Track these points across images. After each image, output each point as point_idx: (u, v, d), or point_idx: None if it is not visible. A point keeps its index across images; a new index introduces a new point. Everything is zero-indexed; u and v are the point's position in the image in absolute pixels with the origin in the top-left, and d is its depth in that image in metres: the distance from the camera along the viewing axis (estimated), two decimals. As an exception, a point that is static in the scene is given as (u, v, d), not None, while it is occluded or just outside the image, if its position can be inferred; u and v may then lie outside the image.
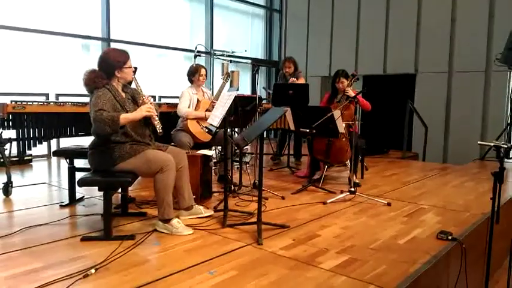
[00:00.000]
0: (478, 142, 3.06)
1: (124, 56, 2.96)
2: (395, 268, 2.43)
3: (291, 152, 6.06)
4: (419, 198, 4.18)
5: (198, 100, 4.50)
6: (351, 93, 4.45)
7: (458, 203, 3.98)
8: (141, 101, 3.01)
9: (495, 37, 7.23)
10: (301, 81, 5.84)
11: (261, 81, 9.79)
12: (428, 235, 3.03)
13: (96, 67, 2.96)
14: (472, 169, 6.06)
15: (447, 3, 7.73)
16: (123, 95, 3.01)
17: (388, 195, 4.27)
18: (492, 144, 2.77)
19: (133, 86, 3.14)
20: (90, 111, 2.84)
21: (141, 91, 3.03)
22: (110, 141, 2.87)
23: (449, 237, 2.88)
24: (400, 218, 3.49)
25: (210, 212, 3.36)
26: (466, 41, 7.55)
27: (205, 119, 4.16)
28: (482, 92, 7.44)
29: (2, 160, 4.03)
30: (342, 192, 4.11)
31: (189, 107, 4.43)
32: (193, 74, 4.54)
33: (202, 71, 4.54)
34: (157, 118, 2.96)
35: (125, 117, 2.79)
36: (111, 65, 2.91)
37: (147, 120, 3.03)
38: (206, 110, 4.45)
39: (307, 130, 4.16)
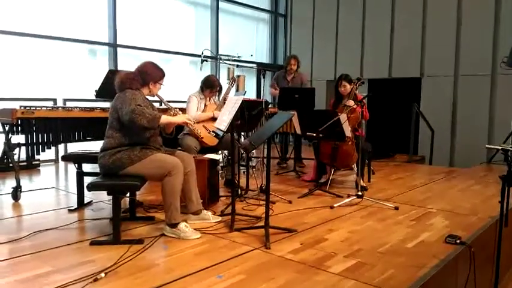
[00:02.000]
0: (486, 145, 3.06)
1: (162, 72, 3.16)
2: (403, 272, 2.43)
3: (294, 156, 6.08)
4: (427, 202, 4.17)
5: (205, 105, 4.53)
6: (351, 103, 4.47)
7: (466, 207, 3.97)
8: (172, 113, 3.21)
9: (501, 40, 7.22)
10: (306, 78, 6.01)
11: (266, 86, 9.80)
12: (437, 239, 3.02)
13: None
14: (479, 172, 6.04)
15: (453, 7, 7.72)
16: (147, 104, 3.10)
17: (395, 199, 4.26)
18: (500, 147, 2.77)
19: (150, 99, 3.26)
20: (118, 106, 2.88)
21: (169, 104, 3.29)
22: (122, 144, 2.91)
23: (458, 241, 2.87)
24: (407, 221, 3.48)
25: (218, 219, 3.36)
26: (472, 44, 7.54)
27: (214, 118, 4.19)
28: (488, 95, 7.41)
29: (11, 165, 4.06)
30: (349, 196, 4.11)
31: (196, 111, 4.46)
32: (209, 87, 4.54)
33: (217, 88, 4.60)
34: (195, 126, 3.27)
35: (166, 118, 2.97)
36: (150, 76, 3.07)
37: (161, 130, 3.15)
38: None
39: (314, 134, 4.17)
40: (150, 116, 2.81)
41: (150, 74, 3.06)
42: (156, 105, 3.34)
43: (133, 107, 2.80)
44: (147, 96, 3.18)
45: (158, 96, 3.23)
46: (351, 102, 4.52)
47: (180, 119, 3.11)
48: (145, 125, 2.81)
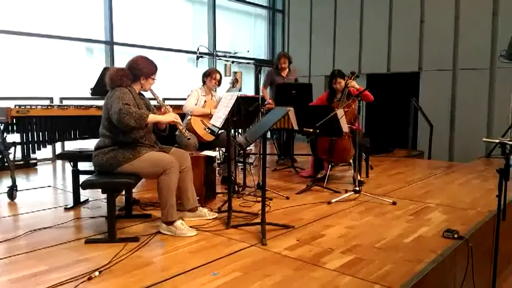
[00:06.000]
0: (483, 139, 3.02)
1: (154, 67, 3.09)
2: (401, 267, 2.41)
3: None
4: (425, 196, 4.15)
5: (205, 101, 4.52)
6: (356, 86, 4.46)
7: (465, 201, 3.95)
8: (163, 110, 3.17)
9: (499, 33, 7.18)
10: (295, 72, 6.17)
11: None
12: (434, 234, 3.00)
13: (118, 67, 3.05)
14: (478, 166, 6.02)
15: (450, 1, 7.68)
16: (140, 101, 3.06)
17: (394, 194, 4.24)
18: (497, 141, 2.74)
19: (146, 95, 3.23)
20: (109, 105, 2.85)
21: (161, 101, 3.25)
22: (115, 143, 2.88)
23: (456, 236, 2.85)
24: (405, 216, 3.46)
25: (214, 215, 3.35)
26: (470, 38, 7.50)
27: (210, 115, 4.18)
28: (487, 89, 7.38)
29: (6, 164, 4.04)
30: (346, 191, 4.09)
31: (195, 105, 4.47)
32: (207, 75, 4.63)
33: (217, 76, 4.63)
34: (183, 126, 3.17)
35: (153, 116, 2.90)
36: (141, 71, 3.01)
37: (154, 127, 3.10)
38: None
39: (311, 130, 4.14)
40: (136, 115, 2.76)
41: (141, 70, 3.00)
42: (153, 102, 3.28)
43: (120, 106, 2.76)
44: (144, 93, 3.16)
45: (151, 91, 3.18)
46: (355, 85, 4.50)
47: (168, 118, 3.01)
48: (132, 125, 2.76)
